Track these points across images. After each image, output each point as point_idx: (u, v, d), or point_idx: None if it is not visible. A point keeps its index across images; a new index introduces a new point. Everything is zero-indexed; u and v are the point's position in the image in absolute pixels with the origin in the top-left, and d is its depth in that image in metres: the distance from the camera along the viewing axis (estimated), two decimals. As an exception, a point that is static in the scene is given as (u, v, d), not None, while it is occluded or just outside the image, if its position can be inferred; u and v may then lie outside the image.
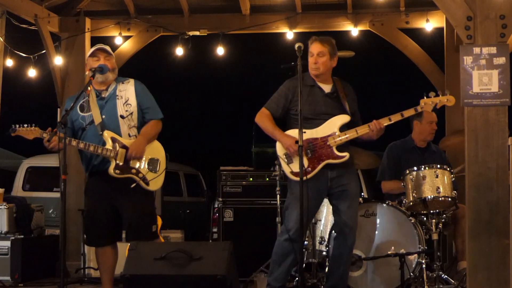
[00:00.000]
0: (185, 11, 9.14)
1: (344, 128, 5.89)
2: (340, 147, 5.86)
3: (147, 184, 5.98)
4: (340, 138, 5.84)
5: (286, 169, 5.85)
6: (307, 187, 5.60)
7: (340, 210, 5.90)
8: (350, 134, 5.85)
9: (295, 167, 5.76)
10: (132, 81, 6.14)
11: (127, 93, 6.05)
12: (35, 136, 5.80)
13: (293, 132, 5.78)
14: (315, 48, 5.92)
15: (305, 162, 5.79)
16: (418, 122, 7.17)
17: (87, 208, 6.16)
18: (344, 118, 5.91)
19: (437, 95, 5.94)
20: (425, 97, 5.94)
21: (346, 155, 5.85)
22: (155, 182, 6.03)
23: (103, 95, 6.03)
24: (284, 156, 5.85)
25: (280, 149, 5.89)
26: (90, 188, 6.13)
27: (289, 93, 5.93)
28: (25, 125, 5.80)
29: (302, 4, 9.00)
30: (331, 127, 5.86)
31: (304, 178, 5.67)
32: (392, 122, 5.89)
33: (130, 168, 5.94)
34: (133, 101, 6.04)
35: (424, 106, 5.94)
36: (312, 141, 5.84)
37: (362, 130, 5.87)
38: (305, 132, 5.59)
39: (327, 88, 5.96)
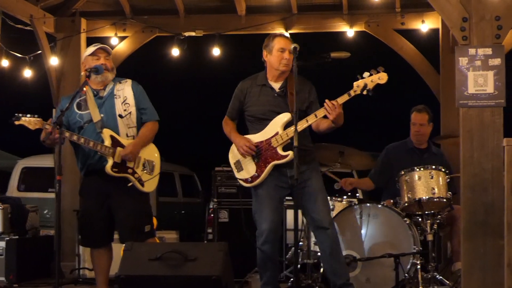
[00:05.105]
0: (180, 12, 9.14)
1: (289, 126, 5.74)
2: (287, 147, 5.74)
3: (142, 185, 5.97)
4: (282, 138, 5.75)
5: (238, 176, 5.88)
6: (263, 189, 5.74)
7: (308, 208, 5.82)
8: (290, 132, 5.66)
9: (244, 174, 5.83)
10: (129, 81, 6.13)
11: (125, 92, 6.04)
12: (38, 127, 5.78)
13: (251, 137, 5.84)
14: (286, 43, 5.84)
15: (253, 168, 5.80)
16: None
17: (82, 209, 6.13)
18: (285, 117, 5.79)
19: (371, 74, 5.69)
20: (359, 79, 5.72)
21: (289, 153, 5.69)
22: (150, 184, 6.03)
23: (101, 94, 6.02)
24: (234, 166, 5.87)
25: (231, 157, 5.91)
26: (85, 188, 6.10)
27: (241, 94, 5.93)
28: (28, 115, 5.79)
29: (297, 5, 9.00)
30: (274, 128, 5.78)
31: (254, 183, 5.78)
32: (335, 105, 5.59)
33: (126, 168, 5.93)
34: (131, 100, 6.03)
35: (357, 89, 5.69)
36: (258, 145, 5.81)
37: (305, 125, 5.70)
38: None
39: (277, 86, 5.88)
